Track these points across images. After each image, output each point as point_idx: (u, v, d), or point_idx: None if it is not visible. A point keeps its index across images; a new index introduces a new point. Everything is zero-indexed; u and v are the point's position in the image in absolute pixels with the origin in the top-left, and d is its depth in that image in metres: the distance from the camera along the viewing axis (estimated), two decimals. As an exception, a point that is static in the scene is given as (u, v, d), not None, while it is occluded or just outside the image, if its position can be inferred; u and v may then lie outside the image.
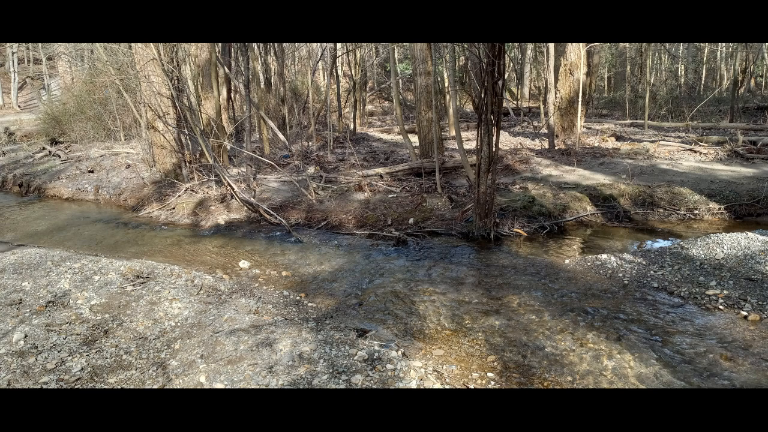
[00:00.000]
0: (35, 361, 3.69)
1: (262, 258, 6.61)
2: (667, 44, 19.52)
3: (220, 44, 12.83)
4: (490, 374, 3.66)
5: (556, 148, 12.01)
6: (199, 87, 12.53)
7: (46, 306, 4.56)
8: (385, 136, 16.88)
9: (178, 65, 10.89)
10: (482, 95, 6.58)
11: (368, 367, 3.56)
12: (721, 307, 4.52)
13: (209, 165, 9.98)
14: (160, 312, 4.54)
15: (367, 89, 22.58)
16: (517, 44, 23.38)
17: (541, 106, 15.27)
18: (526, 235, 7.09)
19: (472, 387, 3.50)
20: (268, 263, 6.37)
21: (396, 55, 20.12)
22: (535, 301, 4.83)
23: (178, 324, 4.35)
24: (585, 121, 15.08)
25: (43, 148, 15.49)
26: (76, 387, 3.42)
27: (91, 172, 12.37)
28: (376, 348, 3.85)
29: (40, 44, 28.75)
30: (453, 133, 14.13)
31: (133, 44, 10.44)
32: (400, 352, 3.86)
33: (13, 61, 29.47)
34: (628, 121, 16.54)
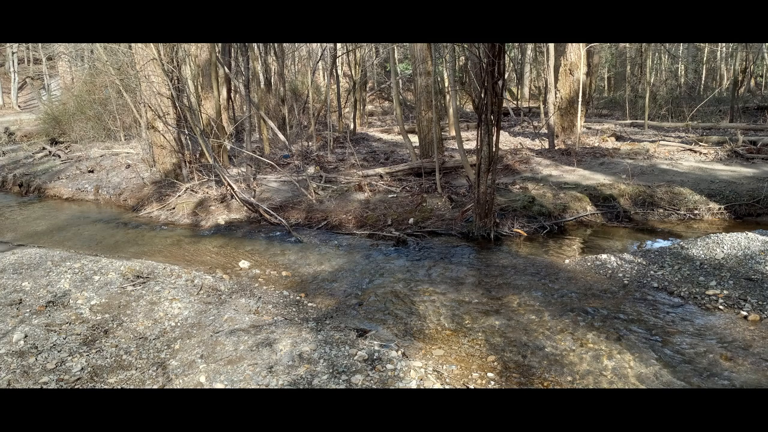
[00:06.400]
0: (35, 361, 3.69)
1: (262, 258, 6.61)
2: (667, 44, 19.52)
3: (220, 44, 12.83)
4: (490, 374, 3.66)
5: (556, 148, 12.01)
6: (199, 87, 12.53)
7: (46, 306, 4.56)
8: (385, 136, 16.88)
9: (178, 65, 10.89)
10: (482, 95, 6.58)
11: (368, 367, 3.56)
12: (721, 307, 4.52)
13: (209, 165, 9.98)
14: (160, 312, 4.54)
15: (367, 89, 22.58)
16: (517, 44, 23.38)
17: (541, 106, 15.27)
18: (526, 235, 7.09)
19: (472, 387, 3.50)
20: (268, 263, 6.37)
21: (396, 55, 20.12)
22: (535, 301, 4.83)
23: (178, 324, 4.35)
24: (585, 121, 15.09)
25: (43, 148, 15.50)
26: (76, 387, 3.42)
27: (91, 172, 12.37)
28: (376, 348, 3.85)
29: (40, 44, 28.75)
30: (453, 133, 14.13)
31: (133, 44, 10.44)
32: (400, 352, 3.86)
33: (13, 61, 29.47)
34: (628, 121, 16.54)
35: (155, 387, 3.42)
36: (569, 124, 12.70)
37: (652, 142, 12.05)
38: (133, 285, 5.04)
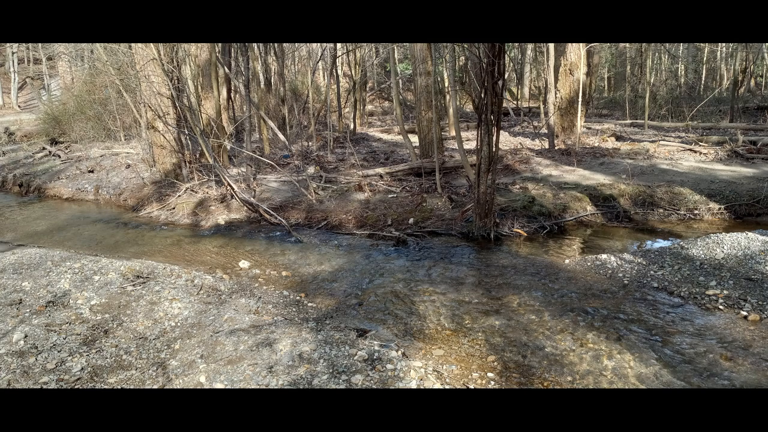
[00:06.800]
0: (35, 361, 3.69)
1: (262, 258, 6.61)
2: (667, 44, 19.52)
3: (220, 44, 12.83)
4: (490, 374, 3.66)
5: (556, 148, 12.01)
6: (199, 87, 12.53)
7: (46, 306, 4.56)
8: (385, 136, 16.88)
9: (178, 65, 10.89)
10: (482, 95, 6.58)
11: (368, 367, 3.56)
12: (721, 307, 4.52)
13: (209, 165, 9.98)
14: (160, 312, 4.54)
15: (367, 89, 22.58)
16: (517, 44, 23.38)
17: (541, 106, 15.27)
18: (526, 235, 7.09)
19: (472, 387, 3.50)
20: (268, 263, 6.37)
21: (396, 55, 20.12)
22: (535, 301, 4.83)
23: (178, 324, 4.35)
24: (585, 121, 15.08)
25: (43, 148, 15.50)
26: (76, 387, 3.42)
27: (91, 172, 12.37)
28: (376, 348, 3.85)
29: (40, 44, 28.75)
30: (453, 133, 14.14)
31: (133, 44, 10.44)
32: (400, 352, 3.86)
33: (13, 61, 29.47)
34: (628, 121, 16.54)
35: (155, 387, 3.42)
36: (569, 124, 12.70)
37: (652, 142, 12.05)
38: (133, 285, 5.04)
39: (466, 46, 12.55)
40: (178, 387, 3.39)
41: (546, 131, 12.90)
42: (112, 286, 5.01)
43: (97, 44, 14.03)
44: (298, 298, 5.18)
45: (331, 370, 3.51)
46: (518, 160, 10.79)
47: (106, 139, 15.83)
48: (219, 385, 3.37)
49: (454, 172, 10.03)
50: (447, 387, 3.45)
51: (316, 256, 6.59)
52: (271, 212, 8.23)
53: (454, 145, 13.20)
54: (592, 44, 15.12)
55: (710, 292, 4.76)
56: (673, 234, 7.01)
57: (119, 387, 3.44)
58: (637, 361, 3.72)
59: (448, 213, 7.83)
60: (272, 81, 16.65)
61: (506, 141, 13.74)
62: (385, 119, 21.85)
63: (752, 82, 22.90)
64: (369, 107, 23.30)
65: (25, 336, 4.00)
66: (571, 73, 12.33)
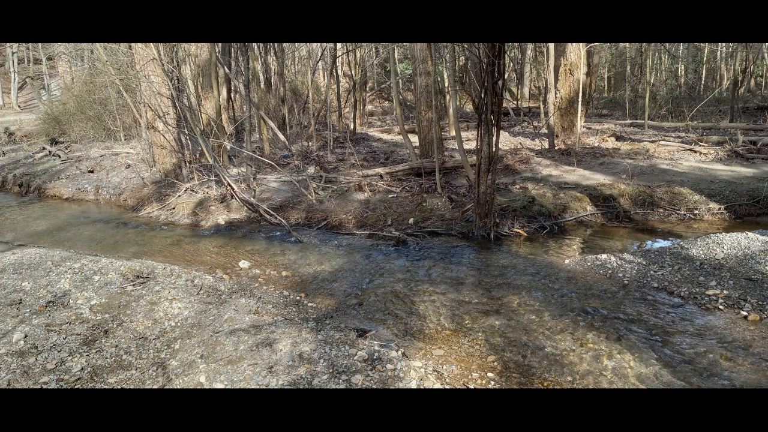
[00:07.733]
0: (35, 361, 3.69)
1: (262, 258, 6.61)
2: (667, 44, 19.52)
3: (220, 44, 12.83)
4: (490, 374, 3.66)
5: (556, 148, 12.01)
6: (199, 87, 12.53)
7: (46, 306, 4.56)
8: (385, 136, 16.88)
9: (178, 65, 10.90)
10: (482, 95, 6.58)
11: (368, 367, 3.56)
12: (721, 307, 4.52)
13: (209, 165, 9.98)
14: (160, 312, 4.54)
15: (367, 89, 22.57)
16: (517, 44, 23.37)
17: (541, 106, 15.27)
18: (526, 235, 7.09)
19: (472, 387, 3.50)
20: (268, 263, 6.37)
21: (396, 55, 20.11)
22: (535, 301, 4.83)
23: (178, 324, 4.35)
24: (585, 121, 15.08)
25: (43, 148, 15.50)
26: (76, 387, 3.42)
27: (91, 172, 12.37)
28: (376, 348, 3.85)
29: (40, 44, 28.75)
30: (453, 133, 14.13)
31: (133, 44, 10.44)
32: (400, 352, 3.86)
33: (13, 61, 29.47)
34: (628, 121, 16.53)
35: (155, 387, 3.42)
36: (569, 124, 12.70)
37: (652, 142, 12.05)
38: (133, 285, 5.04)
39: (466, 46, 12.56)
40: (178, 387, 3.39)
41: (546, 131, 12.90)
42: (112, 286, 5.01)
43: (97, 44, 14.03)
44: (298, 298, 5.18)
45: (331, 370, 3.51)
46: (518, 160, 10.79)
47: (106, 139, 15.83)
48: (219, 385, 3.37)
49: (454, 172, 10.03)
50: (447, 387, 3.45)
51: (316, 256, 6.59)
52: (271, 212, 8.23)
53: (454, 145, 13.20)
54: (592, 44, 15.11)
55: (710, 292, 4.76)
56: (673, 234, 7.01)
57: (119, 387, 3.44)
58: (637, 361, 3.72)
59: (448, 213, 7.83)
60: (272, 81, 16.64)
61: (506, 141, 13.74)
62: (385, 119, 21.84)
63: (752, 82, 22.89)
64: (369, 107, 23.29)
65: (25, 336, 4.00)
66: (571, 73, 12.33)
